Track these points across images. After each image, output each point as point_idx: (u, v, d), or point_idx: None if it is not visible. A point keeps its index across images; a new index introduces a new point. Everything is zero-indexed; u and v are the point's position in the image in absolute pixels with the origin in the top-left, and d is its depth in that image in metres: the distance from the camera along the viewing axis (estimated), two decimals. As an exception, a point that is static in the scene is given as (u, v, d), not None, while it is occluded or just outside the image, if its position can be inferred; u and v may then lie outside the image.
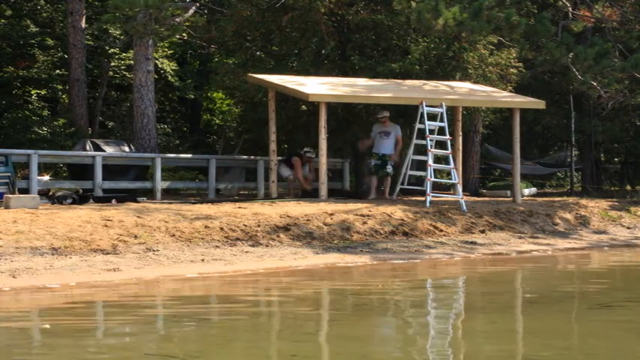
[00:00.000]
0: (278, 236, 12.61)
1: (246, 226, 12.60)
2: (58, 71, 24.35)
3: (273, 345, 6.96)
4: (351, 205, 14.82)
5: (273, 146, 17.82)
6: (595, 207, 18.03)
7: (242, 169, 19.97)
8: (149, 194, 17.56)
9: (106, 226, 11.58)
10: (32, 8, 25.68)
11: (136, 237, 11.45)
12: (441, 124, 16.56)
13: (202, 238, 11.95)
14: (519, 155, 17.85)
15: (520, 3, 20.90)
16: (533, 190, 24.52)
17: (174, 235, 11.81)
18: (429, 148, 16.15)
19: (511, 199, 18.37)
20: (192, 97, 28.83)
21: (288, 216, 13.29)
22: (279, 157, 18.44)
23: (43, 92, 23.91)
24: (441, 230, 14.33)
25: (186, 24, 21.43)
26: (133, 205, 14.39)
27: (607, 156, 32.77)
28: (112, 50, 25.36)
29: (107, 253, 10.83)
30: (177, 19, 19.52)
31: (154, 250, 11.21)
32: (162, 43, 25.23)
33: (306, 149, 18.07)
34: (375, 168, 17.52)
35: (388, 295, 9.67)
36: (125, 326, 7.57)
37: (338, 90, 17.10)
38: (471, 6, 16.65)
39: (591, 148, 28.08)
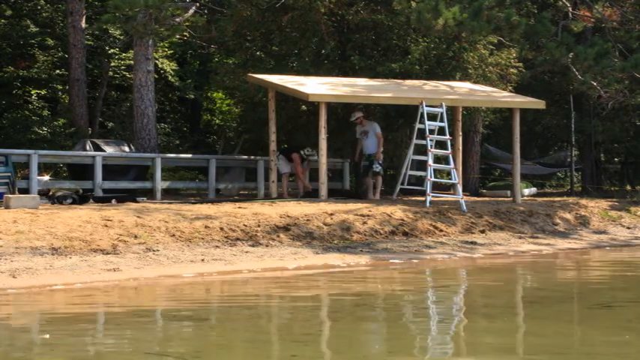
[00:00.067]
0: (278, 236, 12.61)
1: (246, 226, 12.60)
2: (58, 71, 24.35)
3: (273, 345, 6.96)
4: (351, 205, 14.82)
5: (273, 146, 17.82)
6: (595, 207, 18.03)
7: (242, 169, 19.97)
8: (149, 194, 17.56)
9: (106, 226, 11.58)
10: (32, 8, 25.67)
11: (136, 237, 11.45)
12: (441, 124, 16.56)
13: (202, 238, 11.95)
14: (519, 155, 17.85)
15: (520, 3, 20.91)
16: (533, 190, 24.52)
17: (174, 235, 11.81)
18: (429, 148, 16.15)
19: (511, 199, 18.37)
20: (192, 97, 28.83)
21: (288, 216, 13.29)
22: (281, 148, 18.48)
23: (43, 92, 23.91)
24: (441, 230, 14.33)
25: (186, 24, 21.42)
26: (133, 205, 14.39)
27: (607, 156, 32.77)
28: (112, 50, 25.36)
29: (107, 253, 10.83)
30: (177, 19, 19.53)
31: (153, 250, 11.21)
32: (162, 43, 25.24)
33: (306, 151, 17.92)
34: (364, 169, 17.58)
35: (388, 295, 9.67)
36: (125, 326, 7.57)
37: (338, 90, 17.10)
38: (471, 6, 16.65)
39: (591, 148, 28.08)
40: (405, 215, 14.46)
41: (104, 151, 18.08)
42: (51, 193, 15.91)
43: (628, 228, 17.23)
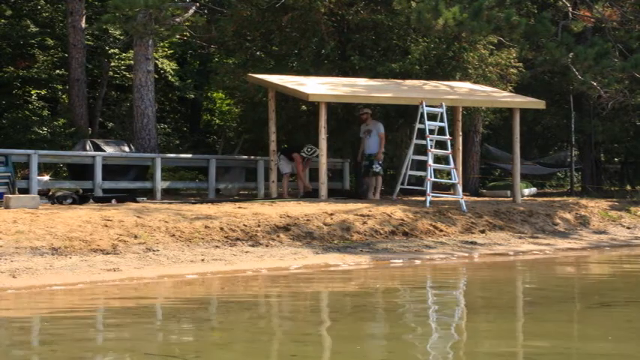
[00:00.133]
0: (278, 236, 12.61)
1: (246, 226, 12.60)
2: (58, 71, 24.36)
3: (273, 345, 6.96)
4: (351, 205, 14.82)
5: (273, 146, 17.83)
6: (595, 207, 18.03)
7: (242, 169, 19.97)
8: (149, 194, 17.56)
9: (106, 226, 11.58)
10: (32, 8, 25.68)
11: (136, 237, 11.45)
12: (441, 124, 16.56)
13: (202, 238, 11.95)
14: (519, 155, 17.85)
15: (520, 3, 20.91)
16: (533, 190, 24.52)
17: (174, 235, 11.81)
18: (429, 148, 16.15)
19: (511, 199, 18.37)
20: (192, 97, 28.83)
21: (288, 216, 13.29)
22: (283, 148, 18.48)
23: (43, 92, 23.92)
24: (441, 230, 14.33)
25: (186, 24, 21.42)
26: (133, 205, 14.39)
27: (607, 156, 32.77)
28: (112, 50, 25.36)
29: (107, 253, 10.83)
30: (177, 19, 19.53)
31: (153, 250, 11.21)
32: (162, 43, 25.24)
33: (307, 149, 17.86)
34: (364, 169, 17.60)
35: (388, 295, 9.67)
36: (125, 326, 7.57)
37: (338, 90, 17.10)
38: (471, 6, 16.66)
39: (591, 148, 28.09)
40: (405, 215, 14.46)
41: (104, 151, 18.08)
42: (51, 193, 15.91)
43: (628, 228, 17.23)
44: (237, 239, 12.23)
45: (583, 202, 18.89)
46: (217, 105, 29.93)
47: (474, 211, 15.59)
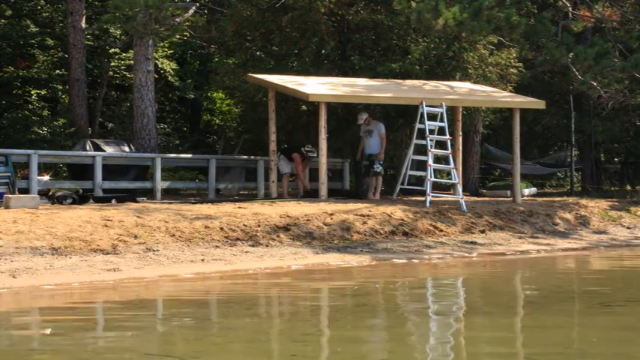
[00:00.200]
0: (278, 236, 12.61)
1: (246, 226, 12.60)
2: (58, 71, 24.35)
3: (273, 345, 6.96)
4: (351, 205, 14.82)
5: (273, 146, 17.83)
6: (595, 207, 18.03)
7: (242, 169, 19.97)
8: (149, 194, 17.56)
9: (106, 226, 11.58)
10: (32, 8, 25.68)
11: (136, 237, 11.45)
12: (441, 124, 16.56)
13: (202, 238, 11.95)
14: (519, 155, 17.85)
15: (520, 3, 20.91)
16: (533, 190, 24.52)
17: (174, 235, 11.81)
18: (429, 148, 16.15)
19: (511, 199, 18.37)
20: (192, 97, 28.83)
21: (288, 216, 13.29)
22: (282, 148, 18.47)
23: (43, 92, 23.92)
24: (441, 230, 14.33)
25: (186, 24, 21.41)
26: (133, 205, 14.39)
27: (607, 156, 32.77)
28: (112, 50, 25.36)
29: (107, 253, 10.83)
30: (177, 19, 19.53)
31: (153, 250, 11.21)
32: (162, 43, 25.24)
33: (307, 147, 17.88)
34: (365, 169, 17.60)
35: (388, 295, 9.67)
36: (125, 326, 7.57)
37: (338, 90, 17.10)
38: (471, 6, 16.65)
39: (591, 148, 28.09)
40: (405, 215, 14.46)
41: (104, 151, 18.08)
42: (51, 193, 15.91)
43: (628, 228, 17.23)
44: (237, 239, 12.23)
45: (583, 202, 18.89)
46: (217, 105, 29.93)
47: (474, 211, 15.59)
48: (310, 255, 12.07)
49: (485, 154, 27.84)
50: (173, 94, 29.02)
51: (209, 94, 29.90)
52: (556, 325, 7.59)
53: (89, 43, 23.97)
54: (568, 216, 16.90)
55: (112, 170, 17.37)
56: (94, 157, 17.11)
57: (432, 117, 16.61)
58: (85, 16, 22.49)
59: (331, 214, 13.71)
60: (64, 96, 24.45)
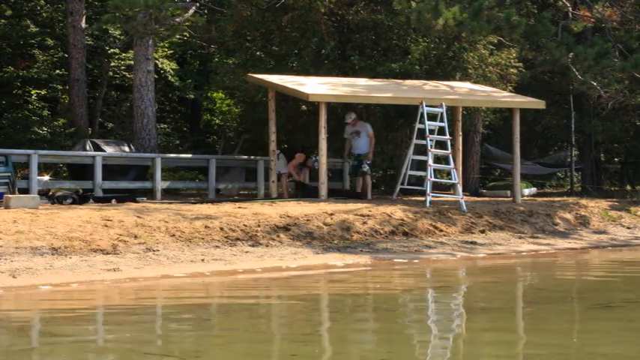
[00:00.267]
0: (278, 236, 12.61)
1: (246, 226, 12.60)
2: (58, 71, 24.35)
3: (273, 345, 6.96)
4: (351, 205, 14.82)
5: (273, 146, 17.82)
6: (595, 207, 18.03)
7: (242, 169, 19.97)
8: (149, 194, 17.56)
9: (106, 226, 11.58)
10: (32, 8, 25.67)
11: (136, 237, 11.45)
12: (441, 124, 16.56)
13: (202, 238, 11.95)
14: (519, 155, 17.85)
15: (520, 3, 20.90)
16: (533, 190, 24.51)
17: (174, 235, 11.81)
18: (429, 148, 16.15)
19: (511, 199, 18.37)
20: (192, 97, 28.83)
21: (288, 216, 13.29)
22: (282, 148, 18.47)
23: (43, 92, 23.91)
24: (441, 230, 14.33)
25: (186, 24, 21.41)
26: (133, 205, 14.39)
27: (607, 156, 32.77)
28: (112, 50, 25.36)
29: (107, 253, 10.83)
30: (177, 19, 19.52)
31: (153, 250, 11.21)
32: (162, 43, 25.24)
33: (315, 157, 17.87)
34: (353, 169, 17.62)
35: (388, 295, 9.67)
36: (125, 326, 7.57)
37: (338, 90, 17.10)
38: (471, 6, 16.65)
39: (591, 148, 28.08)
40: (405, 215, 14.46)
41: (104, 151, 18.08)
42: (51, 193, 15.91)
43: (628, 228, 17.23)
44: (237, 239, 12.23)
45: (583, 202, 18.89)
46: (217, 105, 29.93)
47: (474, 211, 15.59)
48: (310, 255, 12.07)
49: (485, 154, 27.84)
50: (173, 94, 29.01)
51: (209, 94, 29.89)
52: (556, 325, 7.59)
53: (89, 43, 23.97)
54: (568, 216, 16.91)
55: (112, 170, 17.36)
56: (94, 157, 17.11)
57: (432, 117, 16.61)
58: (85, 16, 22.48)
59: (331, 214, 13.71)
60: (64, 96, 24.44)
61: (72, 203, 14.83)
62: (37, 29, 24.53)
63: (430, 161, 16.09)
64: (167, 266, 10.70)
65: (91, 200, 15.47)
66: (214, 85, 25.76)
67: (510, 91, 20.76)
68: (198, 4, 21.79)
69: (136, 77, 20.10)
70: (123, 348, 6.67)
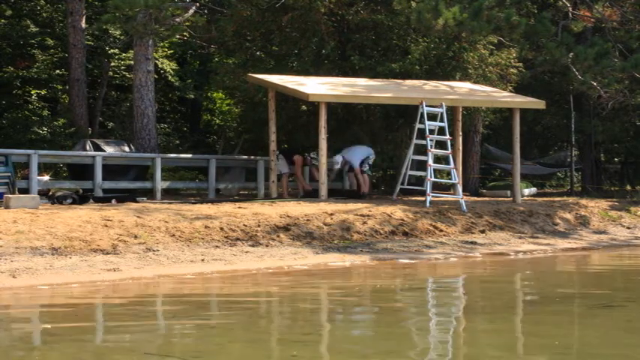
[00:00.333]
0: (278, 236, 12.61)
1: (246, 226, 12.60)
2: (58, 71, 24.35)
3: (273, 345, 6.96)
4: (351, 205, 14.82)
5: (273, 146, 17.83)
6: (595, 207, 18.03)
7: (242, 169, 19.97)
8: (149, 194, 17.57)
9: (106, 226, 11.58)
10: (32, 8, 25.67)
11: (136, 237, 11.45)
12: (441, 124, 16.56)
13: (202, 238, 11.95)
14: (519, 155, 17.85)
15: (520, 3, 20.90)
16: (533, 190, 24.52)
17: (174, 235, 11.81)
18: (429, 148, 16.15)
19: (511, 199, 18.37)
20: (192, 97, 28.83)
21: (288, 216, 13.29)
22: (282, 148, 18.47)
23: (43, 92, 23.91)
24: (441, 230, 14.33)
25: (186, 24, 21.42)
26: (133, 205, 14.39)
27: (607, 156, 32.77)
28: (112, 50, 25.35)
29: (107, 253, 10.83)
30: (177, 19, 19.53)
31: (153, 250, 11.21)
32: (162, 43, 25.23)
33: (312, 155, 17.89)
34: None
35: (388, 295, 9.67)
36: (125, 326, 7.57)
37: (338, 90, 17.11)
38: (471, 6, 16.66)
39: (591, 148, 28.09)
40: (405, 215, 14.46)
41: (104, 151, 18.08)
42: (51, 193, 15.91)
43: (628, 228, 17.23)
44: (237, 239, 12.23)
45: (583, 202, 18.90)
46: (217, 105, 29.93)
47: (474, 211, 15.59)
48: (310, 255, 12.07)
49: (485, 154, 27.84)
50: (173, 94, 29.01)
51: (209, 94, 29.90)
52: (556, 325, 7.59)
53: (89, 43, 23.97)
54: (568, 216, 16.91)
55: (112, 170, 17.37)
56: (94, 157, 17.11)
57: (432, 117, 16.61)
58: (85, 16, 22.49)
59: (331, 214, 13.71)
60: (64, 96, 24.44)
61: (72, 203, 14.83)
62: (37, 29, 24.52)
63: (430, 161, 16.10)
64: (167, 266, 10.70)
65: (91, 200, 15.47)
66: (214, 85, 25.76)
67: (510, 91, 20.76)
68: (198, 4, 21.79)
69: (136, 77, 20.10)
70: (123, 348, 6.67)
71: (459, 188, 16.59)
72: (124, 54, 25.35)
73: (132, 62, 21.95)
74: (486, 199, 19.93)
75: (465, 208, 15.49)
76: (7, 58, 24.13)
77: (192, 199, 17.56)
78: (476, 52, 20.26)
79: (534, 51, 21.20)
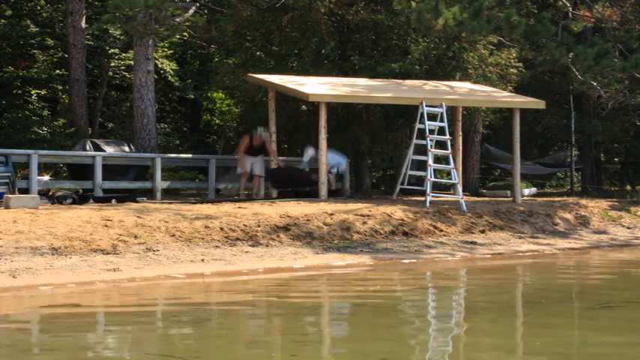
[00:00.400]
0: (278, 236, 12.61)
1: (246, 226, 12.60)
2: (58, 71, 24.35)
3: (273, 345, 6.96)
4: (351, 205, 14.82)
5: (273, 146, 17.81)
6: (595, 207, 18.03)
7: (242, 169, 19.93)
8: (149, 194, 17.56)
9: (106, 226, 11.58)
10: (32, 8, 25.67)
11: (136, 237, 11.45)
12: (441, 124, 16.56)
13: (202, 238, 11.95)
14: (519, 155, 17.85)
15: (520, 3, 20.90)
16: (533, 190, 24.52)
17: (174, 235, 11.81)
18: (429, 148, 16.15)
19: (511, 199, 18.37)
20: (192, 97, 28.83)
21: (288, 216, 13.29)
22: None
23: (43, 92, 23.91)
24: (441, 230, 14.33)
25: (187, 24, 21.42)
26: (133, 205, 14.39)
27: (607, 156, 32.78)
28: (112, 50, 25.35)
29: (107, 253, 10.83)
30: (177, 19, 19.53)
31: (153, 250, 11.21)
32: (162, 43, 25.23)
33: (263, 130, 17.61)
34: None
35: (388, 295, 9.68)
36: (125, 326, 7.57)
37: (338, 90, 17.11)
38: (471, 6, 16.65)
39: (591, 148, 28.08)
40: (405, 215, 14.46)
41: (104, 151, 18.08)
42: (51, 193, 15.90)
43: (628, 228, 17.23)
44: (237, 239, 12.23)
45: (583, 202, 18.89)
46: (217, 105, 29.93)
47: (474, 211, 15.59)
48: (310, 255, 12.07)
49: (485, 154, 27.84)
50: (173, 94, 29.01)
51: (209, 94, 29.90)
52: (556, 325, 7.59)
53: (89, 43, 23.97)
54: (568, 216, 16.90)
55: (112, 170, 17.36)
56: (94, 157, 17.11)
57: (432, 117, 16.61)
58: (85, 16, 22.48)
59: (331, 214, 13.71)
60: (64, 96, 24.44)
61: (72, 203, 14.83)
62: (37, 29, 24.52)
63: (430, 161, 16.09)
64: (167, 266, 10.70)
65: (91, 200, 15.46)
66: (214, 85, 25.75)
67: (510, 91, 20.76)
68: (198, 4, 21.79)
69: (136, 77, 20.10)
70: (123, 348, 6.67)
71: (459, 188, 16.59)
72: (124, 54, 25.35)
73: (132, 62, 21.95)
74: (486, 199, 19.93)
75: (465, 208, 15.49)
76: (7, 58, 24.13)
77: (192, 199, 17.55)
78: (476, 52, 20.26)
79: (534, 51, 21.20)
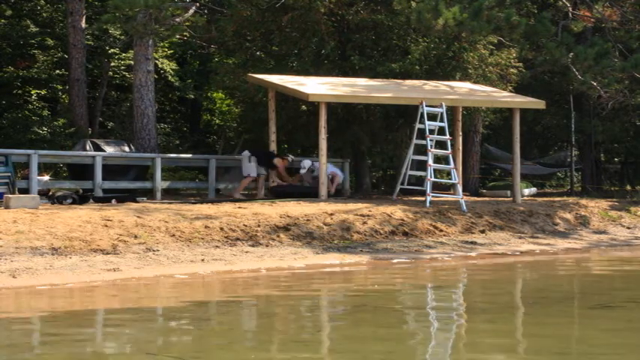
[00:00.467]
0: (278, 236, 12.61)
1: (246, 226, 12.60)
2: (58, 71, 24.34)
3: (273, 345, 6.96)
4: (351, 205, 14.82)
5: (273, 146, 17.83)
6: (595, 207, 18.03)
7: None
8: (149, 194, 17.56)
9: (106, 226, 11.58)
10: (32, 8, 25.67)
11: (136, 237, 11.45)
12: (441, 124, 16.56)
13: (202, 238, 11.95)
14: (519, 155, 17.85)
15: (520, 3, 20.90)
16: (533, 190, 24.52)
17: (174, 235, 11.80)
18: (429, 148, 16.15)
19: (511, 199, 18.37)
20: (192, 97, 28.81)
21: (288, 216, 13.29)
22: (252, 150, 18.23)
23: (43, 92, 23.91)
24: (441, 230, 14.33)
25: (186, 24, 21.40)
26: (133, 205, 14.39)
27: (607, 156, 32.76)
28: (112, 50, 25.35)
29: (107, 253, 10.83)
30: (177, 19, 19.52)
31: (153, 250, 11.21)
32: (162, 43, 25.22)
33: (291, 156, 17.90)
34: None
35: (388, 295, 9.67)
36: (125, 326, 7.57)
37: (338, 90, 17.11)
38: (471, 6, 16.66)
39: (591, 148, 28.08)
40: (405, 215, 14.46)
41: (104, 151, 18.08)
42: (51, 193, 15.90)
43: (628, 228, 17.23)
44: (237, 239, 12.23)
45: (583, 202, 18.89)
46: (217, 105, 29.92)
47: (474, 211, 15.59)
48: (310, 255, 12.08)
49: (485, 154, 27.83)
50: (173, 94, 29.00)
51: (209, 94, 29.89)
52: (556, 325, 7.59)
53: (89, 43, 23.96)
54: (568, 216, 16.90)
55: (112, 170, 17.36)
56: (94, 157, 17.10)
57: (432, 117, 16.61)
58: (85, 16, 22.48)
59: (331, 214, 13.71)
60: (64, 96, 24.44)
61: (72, 203, 14.83)
62: (37, 29, 24.52)
63: (430, 161, 16.10)
64: (167, 266, 10.71)
65: (91, 200, 15.46)
66: (214, 85, 25.75)
67: (510, 91, 20.76)
68: (198, 4, 21.78)
69: (136, 77, 20.09)
70: (123, 348, 6.67)
71: (459, 188, 16.59)
72: (124, 54, 25.34)
73: (132, 62, 21.94)
74: (486, 199, 19.93)
75: (464, 208, 15.49)
76: (7, 58, 24.12)
77: (192, 199, 17.55)
78: (476, 52, 20.26)
79: (534, 51, 21.20)
